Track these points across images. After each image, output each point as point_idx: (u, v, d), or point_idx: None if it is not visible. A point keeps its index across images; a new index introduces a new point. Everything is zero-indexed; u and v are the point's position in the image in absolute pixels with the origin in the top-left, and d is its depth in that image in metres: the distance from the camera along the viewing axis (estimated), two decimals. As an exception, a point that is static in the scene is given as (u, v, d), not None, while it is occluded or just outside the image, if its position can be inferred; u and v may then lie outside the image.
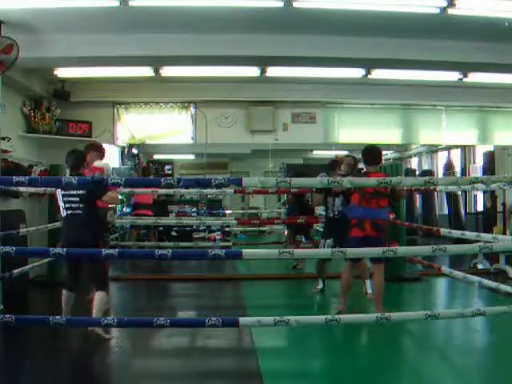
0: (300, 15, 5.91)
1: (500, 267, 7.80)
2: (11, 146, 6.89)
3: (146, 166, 11.82)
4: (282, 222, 9.62)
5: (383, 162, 5.97)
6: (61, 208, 4.73)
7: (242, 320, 3.83)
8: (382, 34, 6.50)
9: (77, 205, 4.64)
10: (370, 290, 6.10)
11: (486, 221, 10.04)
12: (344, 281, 5.52)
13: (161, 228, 10.41)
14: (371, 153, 5.40)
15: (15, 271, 5.36)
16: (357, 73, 7.91)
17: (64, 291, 4.83)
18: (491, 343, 4.83)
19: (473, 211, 11.78)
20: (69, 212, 4.67)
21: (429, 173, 13.14)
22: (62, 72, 7.81)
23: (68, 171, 4.94)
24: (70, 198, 4.64)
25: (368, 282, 6.19)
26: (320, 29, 6.34)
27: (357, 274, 6.00)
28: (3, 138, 6.41)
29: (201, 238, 11.19)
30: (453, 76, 8.02)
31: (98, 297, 4.62)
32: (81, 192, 4.58)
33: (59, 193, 4.68)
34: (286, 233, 10.59)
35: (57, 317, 3.66)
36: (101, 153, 5.75)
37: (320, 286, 6.65)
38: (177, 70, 7.90)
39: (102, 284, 4.73)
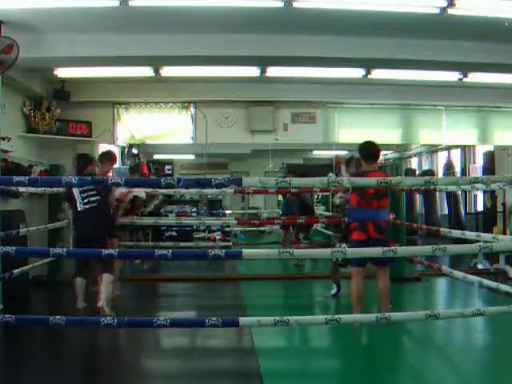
0: (300, 15, 5.90)
1: (500, 267, 7.80)
2: (11, 146, 6.89)
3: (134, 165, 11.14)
4: (282, 223, 9.60)
5: (381, 160, 5.71)
6: (78, 203, 5.46)
7: (242, 320, 3.83)
8: (382, 33, 6.50)
9: (94, 198, 5.45)
10: None
11: (486, 221, 10.04)
12: (354, 290, 5.08)
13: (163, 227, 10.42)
14: (368, 149, 5.12)
15: (15, 271, 5.35)
16: (357, 73, 7.91)
17: (78, 279, 5.57)
18: (491, 343, 4.83)
19: (473, 211, 11.78)
20: (87, 206, 5.44)
21: (429, 173, 13.13)
22: (62, 72, 7.80)
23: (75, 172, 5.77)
24: (88, 193, 5.45)
25: None
26: (320, 29, 6.34)
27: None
28: (3, 138, 6.41)
29: (201, 238, 11.19)
30: (453, 76, 8.01)
31: (105, 278, 5.30)
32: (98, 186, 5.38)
33: (76, 190, 5.39)
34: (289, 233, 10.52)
35: (57, 317, 3.66)
36: (112, 160, 6.26)
37: (334, 291, 6.28)
38: (177, 70, 7.89)
39: (109, 267, 5.38)
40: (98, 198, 5.44)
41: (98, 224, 5.42)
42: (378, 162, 5.31)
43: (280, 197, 11.91)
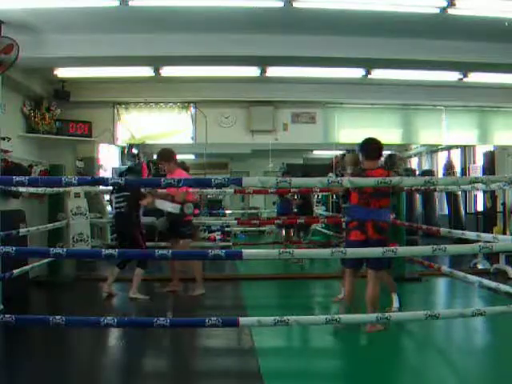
0: (300, 15, 5.91)
1: (500, 267, 7.79)
2: (11, 146, 6.89)
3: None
4: (282, 222, 9.61)
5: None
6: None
7: (242, 320, 3.83)
8: (381, 34, 6.51)
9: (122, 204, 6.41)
10: (397, 305, 5.46)
11: (486, 221, 10.03)
12: (347, 296, 4.91)
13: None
14: (368, 146, 4.89)
15: (15, 271, 5.36)
16: (357, 73, 7.92)
17: (138, 269, 6.27)
18: (491, 343, 4.82)
19: (473, 211, 11.78)
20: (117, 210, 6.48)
21: (429, 173, 13.13)
22: (62, 72, 7.81)
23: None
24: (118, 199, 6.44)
25: (395, 296, 5.47)
26: (320, 29, 6.34)
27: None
28: (3, 138, 6.41)
29: (201, 238, 11.16)
30: (453, 76, 8.02)
31: (184, 243, 6.44)
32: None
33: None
34: (284, 232, 10.51)
35: (57, 317, 3.66)
36: (174, 158, 6.64)
37: (341, 295, 5.80)
38: (177, 70, 7.90)
39: (188, 236, 6.57)
40: (125, 203, 6.37)
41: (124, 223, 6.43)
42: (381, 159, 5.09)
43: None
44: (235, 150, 13.04)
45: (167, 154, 6.59)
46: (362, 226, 4.72)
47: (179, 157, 15.67)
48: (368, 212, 4.71)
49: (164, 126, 9.46)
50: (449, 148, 13.07)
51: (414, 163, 15.48)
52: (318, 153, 14.05)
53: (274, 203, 12.76)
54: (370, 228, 4.68)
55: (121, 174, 6.88)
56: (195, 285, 6.55)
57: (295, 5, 5.53)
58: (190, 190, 6.46)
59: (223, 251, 3.82)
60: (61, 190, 6.94)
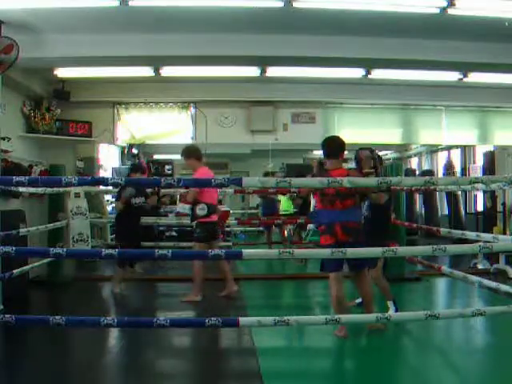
0: (300, 15, 5.91)
1: (500, 267, 7.79)
2: (11, 146, 6.89)
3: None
4: (282, 222, 9.62)
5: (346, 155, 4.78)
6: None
7: (242, 320, 3.83)
8: (382, 34, 6.51)
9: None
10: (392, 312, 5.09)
11: (486, 221, 10.04)
12: (334, 301, 4.58)
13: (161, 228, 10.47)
14: (330, 145, 4.72)
15: (15, 271, 5.36)
16: (357, 73, 7.92)
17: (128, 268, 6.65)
18: (491, 343, 4.82)
19: (473, 211, 11.78)
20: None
21: (429, 173, 13.13)
22: (62, 72, 7.82)
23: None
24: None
25: (391, 303, 5.16)
26: (320, 29, 6.34)
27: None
28: (3, 138, 6.41)
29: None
30: (453, 76, 8.03)
31: (194, 247, 6.35)
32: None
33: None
34: (286, 232, 10.51)
35: (57, 317, 3.66)
36: (199, 156, 6.39)
37: (358, 300, 5.49)
38: (177, 70, 7.91)
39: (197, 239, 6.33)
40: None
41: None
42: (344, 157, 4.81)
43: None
44: (235, 149, 13.04)
45: (186, 150, 6.37)
46: (330, 229, 4.48)
47: (178, 157, 15.70)
48: (334, 214, 4.48)
49: (164, 126, 9.47)
50: (449, 148, 13.07)
51: (414, 163, 15.49)
52: (318, 153, 14.03)
53: (257, 205, 12.79)
54: (338, 230, 4.45)
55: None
56: (194, 288, 6.28)
57: (295, 5, 5.53)
58: (206, 190, 6.04)
59: (223, 251, 3.83)
60: (61, 190, 6.93)
